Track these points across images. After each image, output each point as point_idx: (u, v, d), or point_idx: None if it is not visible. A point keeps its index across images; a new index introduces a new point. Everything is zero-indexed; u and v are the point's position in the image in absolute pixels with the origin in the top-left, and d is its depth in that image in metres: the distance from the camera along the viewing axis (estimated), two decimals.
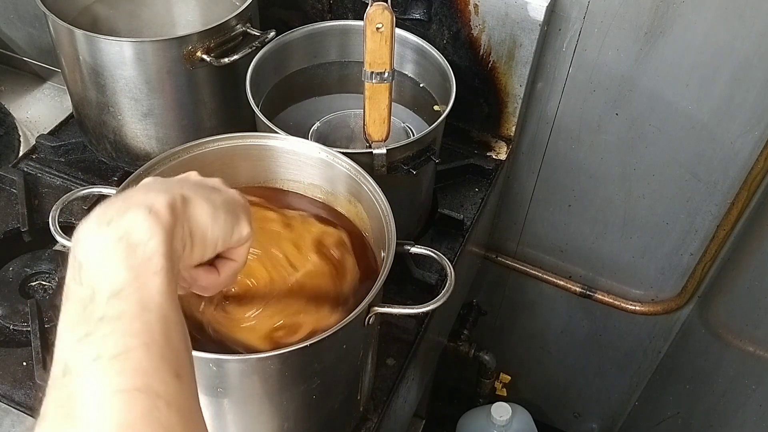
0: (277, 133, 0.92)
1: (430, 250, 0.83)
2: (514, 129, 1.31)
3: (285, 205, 0.92)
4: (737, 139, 1.22)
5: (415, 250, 0.83)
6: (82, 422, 0.44)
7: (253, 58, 1.05)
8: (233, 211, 0.61)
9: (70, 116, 1.30)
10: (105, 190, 0.83)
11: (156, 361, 0.47)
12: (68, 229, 0.80)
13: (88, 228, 0.52)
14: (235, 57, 1.06)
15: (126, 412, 0.44)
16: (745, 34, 1.09)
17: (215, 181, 0.65)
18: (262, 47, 1.07)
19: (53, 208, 0.81)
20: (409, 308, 0.77)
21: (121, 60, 1.04)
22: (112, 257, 0.50)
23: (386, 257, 0.77)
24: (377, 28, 0.89)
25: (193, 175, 0.66)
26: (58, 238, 0.79)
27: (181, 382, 0.47)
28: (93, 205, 1.10)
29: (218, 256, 0.64)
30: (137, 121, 1.13)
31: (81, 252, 0.51)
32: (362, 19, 0.89)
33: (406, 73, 1.16)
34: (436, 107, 1.13)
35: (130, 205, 0.53)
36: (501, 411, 1.75)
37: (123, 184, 0.81)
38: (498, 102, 1.28)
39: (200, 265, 0.62)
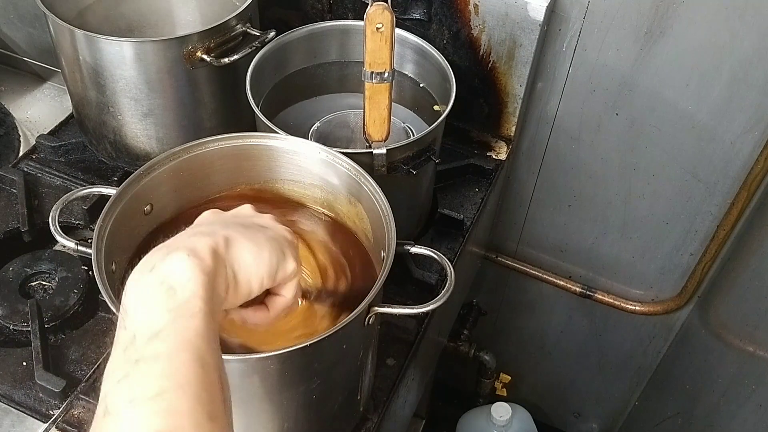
0: (277, 133, 0.92)
1: (430, 250, 0.83)
2: (514, 129, 1.31)
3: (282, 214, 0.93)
4: (737, 139, 1.22)
5: (415, 250, 0.83)
6: None
7: (253, 58, 1.05)
8: (278, 249, 0.62)
9: (70, 116, 1.30)
10: (105, 190, 0.83)
11: (191, 402, 0.47)
12: (68, 230, 0.80)
13: (133, 276, 0.54)
14: (235, 57, 1.06)
15: None
16: (745, 34, 1.09)
17: (265, 219, 0.67)
18: (262, 47, 1.07)
19: (53, 208, 0.81)
20: (409, 308, 0.77)
21: (121, 60, 1.04)
22: (153, 300, 0.51)
23: (386, 257, 0.77)
24: (377, 28, 0.89)
25: (245, 209, 0.68)
26: (58, 237, 0.79)
27: (215, 424, 0.48)
28: (93, 205, 1.10)
29: (267, 293, 0.65)
30: (137, 121, 1.13)
31: (126, 299, 0.53)
32: (362, 19, 0.89)
33: (406, 73, 1.16)
34: (436, 107, 1.13)
35: (172, 250, 0.54)
36: (501, 411, 1.75)
37: (123, 183, 0.81)
38: (498, 102, 1.28)
39: (249, 303, 0.63)
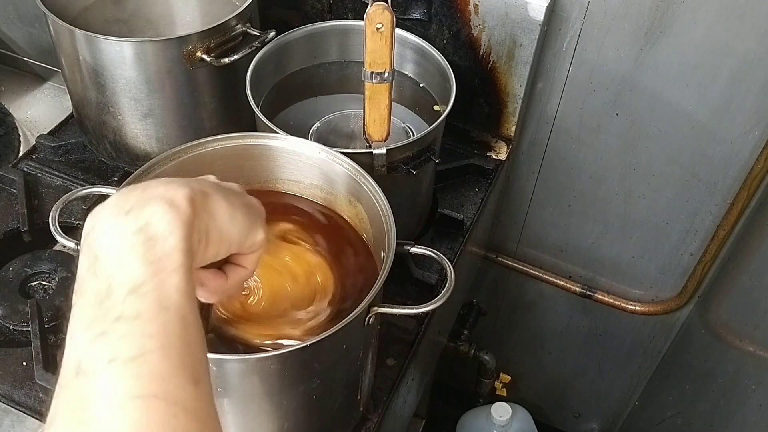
0: (277, 133, 0.92)
1: (430, 251, 0.83)
2: (514, 129, 1.31)
3: (282, 209, 0.92)
4: (737, 139, 1.22)
5: (415, 250, 0.83)
6: (96, 428, 0.42)
7: (253, 58, 1.05)
8: (250, 215, 0.60)
9: (70, 116, 1.30)
10: (105, 190, 0.83)
11: (174, 365, 0.45)
12: (68, 230, 0.80)
13: (105, 216, 0.49)
14: (235, 57, 1.06)
15: (142, 419, 0.42)
16: (745, 34, 1.09)
17: (234, 185, 0.63)
18: (262, 47, 1.07)
19: (53, 208, 0.81)
20: (409, 308, 0.77)
21: (121, 60, 1.04)
22: (131, 250, 0.47)
23: (386, 257, 0.77)
24: (377, 28, 0.89)
25: (211, 177, 0.64)
26: (58, 238, 0.79)
27: (199, 387, 0.46)
28: (93, 204, 1.10)
29: (227, 261, 0.62)
30: (137, 121, 1.13)
31: (97, 242, 0.48)
32: (362, 19, 0.89)
33: (406, 73, 1.16)
34: (436, 107, 1.13)
35: (150, 197, 0.50)
36: (501, 411, 1.75)
37: (123, 183, 0.81)
38: (498, 102, 1.28)
39: (209, 266, 0.60)
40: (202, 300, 0.64)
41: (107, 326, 0.45)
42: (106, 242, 0.48)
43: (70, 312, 0.47)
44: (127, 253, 0.47)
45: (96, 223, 0.49)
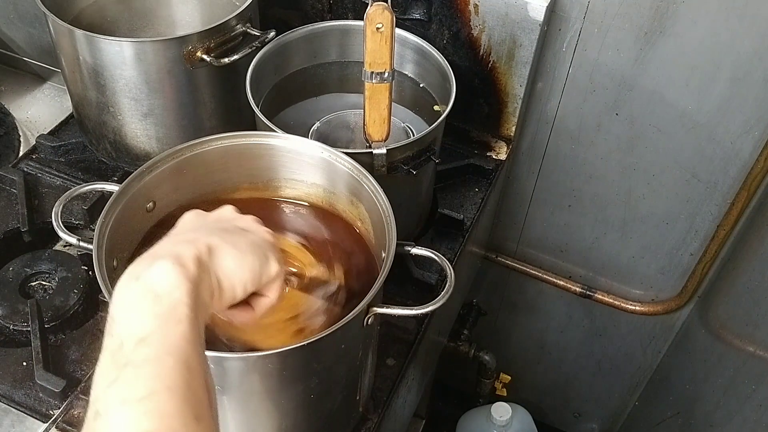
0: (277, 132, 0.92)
1: (430, 252, 0.83)
2: (514, 129, 1.31)
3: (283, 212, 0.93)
4: (737, 139, 1.22)
5: (415, 251, 0.83)
6: None
7: (253, 58, 1.05)
8: (261, 253, 0.64)
9: (70, 116, 1.30)
10: (108, 187, 0.83)
11: (179, 404, 0.49)
12: (68, 229, 0.81)
13: (120, 286, 0.55)
14: (235, 57, 1.06)
15: None
16: (745, 34, 1.09)
17: (247, 221, 0.68)
18: (262, 47, 1.07)
19: (56, 204, 0.81)
20: (408, 309, 0.77)
21: (121, 60, 1.04)
22: (139, 308, 0.53)
23: (386, 258, 0.77)
24: (377, 28, 0.89)
25: (227, 211, 0.69)
26: (60, 233, 0.79)
27: (201, 424, 0.50)
28: (93, 204, 1.10)
29: (252, 294, 0.66)
30: (137, 121, 1.13)
31: (113, 308, 0.54)
32: (362, 19, 0.89)
33: (406, 73, 1.16)
34: (436, 107, 1.13)
35: (156, 258, 0.56)
36: (501, 411, 1.75)
37: (126, 180, 0.81)
38: (498, 102, 1.28)
39: (235, 304, 0.64)
40: (242, 327, 0.71)
41: (118, 373, 0.50)
42: (120, 306, 0.54)
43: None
44: (136, 310, 0.53)
45: (114, 292, 0.55)
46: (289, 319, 0.80)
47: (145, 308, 0.53)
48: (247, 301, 0.66)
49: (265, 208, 0.93)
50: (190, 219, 0.68)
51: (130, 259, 0.83)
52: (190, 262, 0.56)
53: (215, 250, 0.60)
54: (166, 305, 0.53)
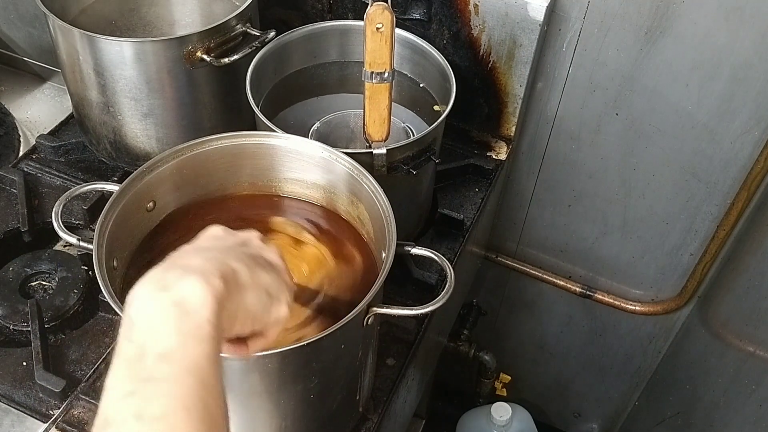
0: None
1: (430, 252, 0.83)
2: (514, 129, 1.31)
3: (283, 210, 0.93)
4: (737, 139, 1.22)
5: (415, 251, 0.83)
6: None
7: (253, 58, 1.05)
8: (276, 294, 0.63)
9: (70, 116, 1.30)
10: (108, 187, 0.83)
11: (194, 425, 0.49)
12: (68, 229, 0.81)
13: (144, 290, 0.54)
14: (235, 57, 1.06)
15: None
16: (745, 34, 1.09)
17: (273, 255, 0.66)
18: (262, 47, 1.07)
19: (56, 204, 0.81)
20: (408, 309, 0.77)
21: (121, 60, 1.04)
22: (164, 320, 0.52)
23: (386, 258, 0.77)
24: (377, 28, 0.89)
25: (255, 240, 0.67)
26: (60, 233, 0.79)
27: None
28: (93, 205, 1.10)
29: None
30: (137, 121, 1.13)
31: (135, 311, 0.53)
32: (362, 19, 0.89)
33: (406, 73, 1.16)
34: (436, 107, 1.13)
35: (188, 272, 0.55)
36: (501, 411, 1.75)
37: (126, 180, 0.81)
38: (498, 102, 1.28)
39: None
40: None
41: (137, 386, 0.49)
42: (142, 312, 0.53)
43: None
44: (162, 323, 0.52)
45: (137, 296, 0.54)
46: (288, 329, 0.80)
47: (171, 322, 0.52)
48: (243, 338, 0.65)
49: (265, 207, 0.93)
50: (217, 235, 0.66)
51: (131, 259, 0.84)
52: (220, 283, 0.55)
53: (241, 279, 0.59)
54: (192, 322, 0.52)
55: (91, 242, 0.76)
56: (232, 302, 0.57)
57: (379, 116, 0.97)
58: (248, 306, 0.59)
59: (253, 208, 0.93)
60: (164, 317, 0.52)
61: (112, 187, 0.82)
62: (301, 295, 0.82)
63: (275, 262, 0.66)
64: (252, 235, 0.68)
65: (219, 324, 0.54)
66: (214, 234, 0.66)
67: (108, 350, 0.97)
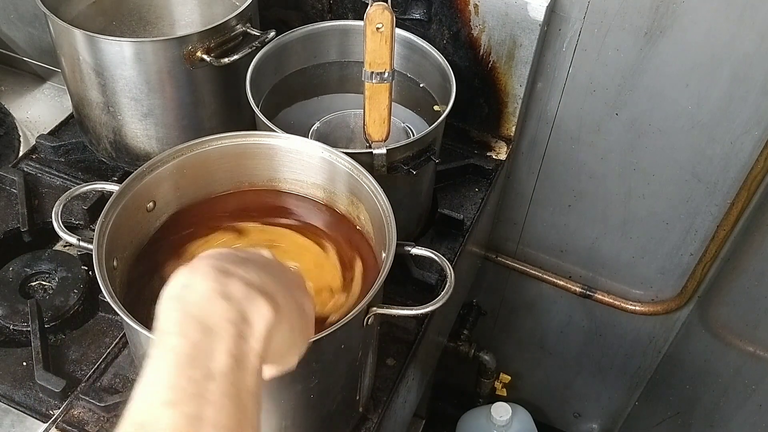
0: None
1: (430, 252, 0.83)
2: (514, 129, 1.31)
3: (283, 209, 0.92)
4: (737, 139, 1.22)
5: (415, 251, 0.83)
6: None
7: (253, 58, 1.05)
8: (297, 342, 0.62)
9: (70, 116, 1.30)
10: (108, 186, 0.83)
11: None
12: (68, 229, 0.81)
13: (204, 285, 0.53)
14: (235, 57, 1.06)
15: None
16: (745, 34, 1.09)
17: (307, 300, 0.63)
18: (262, 47, 1.07)
19: (56, 204, 0.81)
20: (408, 309, 0.77)
21: (121, 60, 1.04)
22: (220, 335, 0.50)
23: (386, 258, 0.77)
24: (377, 28, 0.89)
25: (297, 275, 0.65)
26: (60, 233, 0.79)
27: None
28: (93, 205, 1.10)
29: None
30: (137, 121, 1.13)
31: (193, 306, 0.51)
32: (362, 19, 0.89)
33: (406, 73, 1.16)
34: (436, 107, 1.13)
35: (257, 293, 0.53)
36: (501, 411, 1.75)
37: (126, 180, 0.81)
38: (498, 102, 1.28)
39: None
40: None
41: (178, 398, 0.48)
42: (198, 315, 0.51)
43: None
44: (219, 336, 0.51)
45: (195, 288, 0.53)
46: None
47: (226, 340, 0.50)
48: None
49: (265, 207, 0.93)
50: (264, 261, 0.61)
51: (131, 259, 0.84)
52: (276, 313, 0.54)
53: (284, 315, 0.56)
54: (245, 349, 0.51)
55: (91, 242, 0.76)
56: (277, 333, 0.55)
57: (379, 116, 0.97)
58: (277, 345, 0.57)
59: (253, 208, 0.93)
60: (222, 330, 0.51)
61: (112, 187, 0.82)
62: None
63: (305, 304, 0.62)
64: (297, 273, 0.65)
65: (264, 356, 0.53)
66: (259, 257, 0.61)
67: (108, 350, 0.97)
